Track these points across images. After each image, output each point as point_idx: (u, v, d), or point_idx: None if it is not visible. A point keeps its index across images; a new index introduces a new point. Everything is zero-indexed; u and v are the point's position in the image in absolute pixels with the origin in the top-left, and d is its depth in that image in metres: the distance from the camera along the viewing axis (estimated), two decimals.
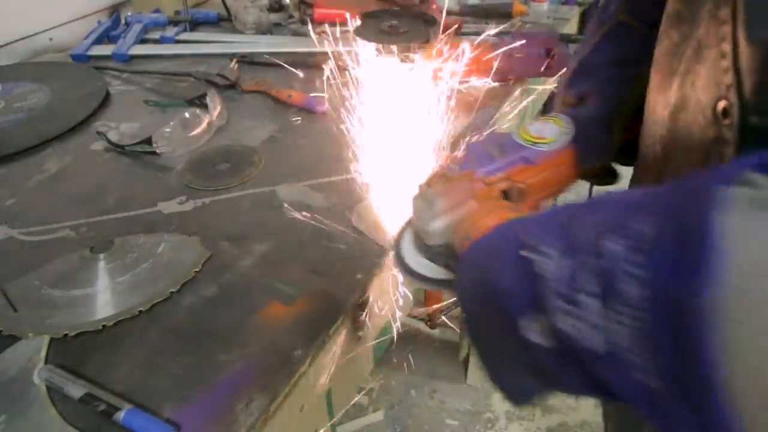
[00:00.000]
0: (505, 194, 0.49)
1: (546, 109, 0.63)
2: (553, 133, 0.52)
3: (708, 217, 0.23)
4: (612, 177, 0.59)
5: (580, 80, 0.57)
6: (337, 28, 0.71)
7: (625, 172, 0.58)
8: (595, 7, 0.61)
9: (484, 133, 0.58)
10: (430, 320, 1.50)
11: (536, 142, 0.52)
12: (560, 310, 0.28)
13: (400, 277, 0.50)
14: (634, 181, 0.53)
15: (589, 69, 0.57)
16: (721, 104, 0.34)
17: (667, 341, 0.23)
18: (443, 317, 1.54)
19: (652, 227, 0.25)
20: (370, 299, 0.58)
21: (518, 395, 0.38)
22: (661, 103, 0.42)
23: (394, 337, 0.66)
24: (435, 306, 1.48)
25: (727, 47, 0.34)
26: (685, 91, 0.39)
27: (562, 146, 0.52)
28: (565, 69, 0.62)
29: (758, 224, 0.22)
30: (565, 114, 0.55)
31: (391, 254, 0.51)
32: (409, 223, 0.52)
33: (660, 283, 0.24)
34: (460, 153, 0.54)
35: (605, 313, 0.26)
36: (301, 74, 0.98)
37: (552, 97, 0.64)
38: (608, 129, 0.54)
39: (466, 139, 0.56)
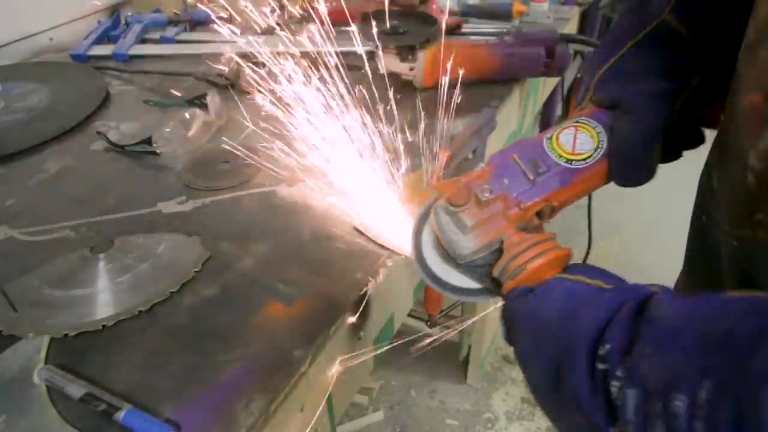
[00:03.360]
0: (538, 213, 0.48)
1: (569, 97, 0.59)
2: (587, 147, 0.50)
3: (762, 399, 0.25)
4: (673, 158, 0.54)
5: (616, 83, 0.52)
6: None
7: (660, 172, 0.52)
8: (596, 7, 0.58)
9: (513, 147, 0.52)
10: (430, 320, 1.50)
11: (571, 159, 0.50)
12: None
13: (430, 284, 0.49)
14: (711, 201, 0.47)
15: (628, 73, 0.51)
16: None
17: None
18: (443, 317, 1.54)
19: (708, 393, 0.27)
20: (370, 299, 0.58)
21: None
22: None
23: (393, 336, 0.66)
24: (434, 306, 1.48)
25: None
26: None
27: (597, 160, 0.50)
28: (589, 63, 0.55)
29: None
30: (596, 118, 0.51)
31: (414, 262, 0.50)
32: (418, 230, 0.50)
33: None
34: (483, 167, 0.51)
35: None
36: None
37: (577, 84, 0.58)
38: (647, 150, 0.49)
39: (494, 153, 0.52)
